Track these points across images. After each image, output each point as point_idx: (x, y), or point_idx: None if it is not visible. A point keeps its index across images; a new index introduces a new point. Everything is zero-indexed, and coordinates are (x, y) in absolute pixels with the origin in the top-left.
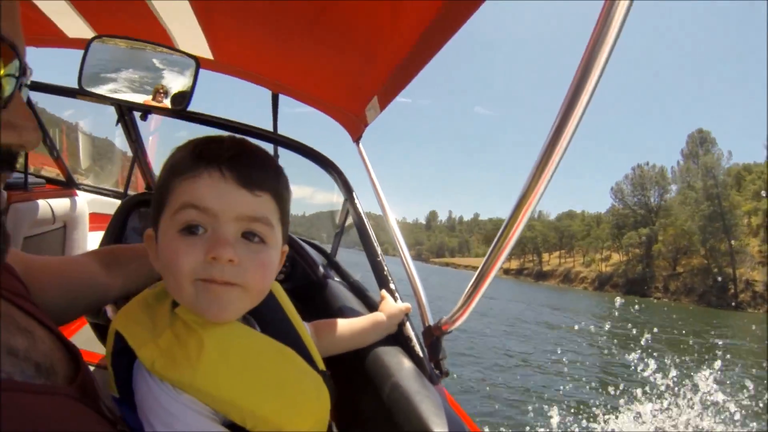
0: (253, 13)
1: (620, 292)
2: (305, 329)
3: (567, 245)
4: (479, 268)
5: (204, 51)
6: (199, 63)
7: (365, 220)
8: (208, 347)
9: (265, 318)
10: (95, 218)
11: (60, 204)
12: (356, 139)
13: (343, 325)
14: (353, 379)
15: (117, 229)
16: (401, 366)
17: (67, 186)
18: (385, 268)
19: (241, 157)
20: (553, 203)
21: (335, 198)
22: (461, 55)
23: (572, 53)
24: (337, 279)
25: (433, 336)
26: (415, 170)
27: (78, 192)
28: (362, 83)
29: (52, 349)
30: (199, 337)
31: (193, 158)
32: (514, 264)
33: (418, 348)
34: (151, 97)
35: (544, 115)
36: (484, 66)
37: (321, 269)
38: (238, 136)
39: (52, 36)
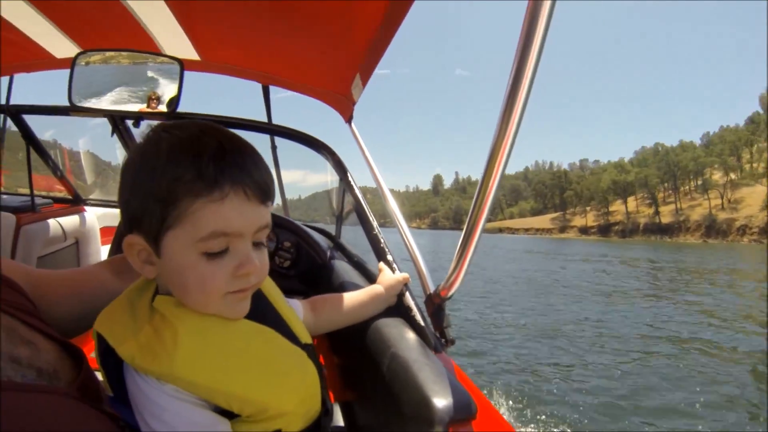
0: (233, 9)
1: None
2: (286, 306)
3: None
4: (465, 227)
5: (190, 53)
6: (183, 65)
7: (360, 197)
8: (184, 336)
9: None
10: (107, 231)
11: (69, 221)
12: (348, 119)
13: (340, 299)
14: (354, 354)
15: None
16: (402, 336)
17: (74, 203)
18: (382, 241)
19: (258, 172)
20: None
21: (329, 178)
22: (434, 21)
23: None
24: (343, 259)
25: (434, 304)
26: (407, 139)
27: (86, 208)
28: (343, 63)
29: (56, 359)
30: (174, 327)
31: (212, 175)
32: (590, 219)
33: (419, 317)
34: (145, 105)
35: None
36: (458, 30)
37: (327, 252)
38: (237, 136)
39: (41, 59)
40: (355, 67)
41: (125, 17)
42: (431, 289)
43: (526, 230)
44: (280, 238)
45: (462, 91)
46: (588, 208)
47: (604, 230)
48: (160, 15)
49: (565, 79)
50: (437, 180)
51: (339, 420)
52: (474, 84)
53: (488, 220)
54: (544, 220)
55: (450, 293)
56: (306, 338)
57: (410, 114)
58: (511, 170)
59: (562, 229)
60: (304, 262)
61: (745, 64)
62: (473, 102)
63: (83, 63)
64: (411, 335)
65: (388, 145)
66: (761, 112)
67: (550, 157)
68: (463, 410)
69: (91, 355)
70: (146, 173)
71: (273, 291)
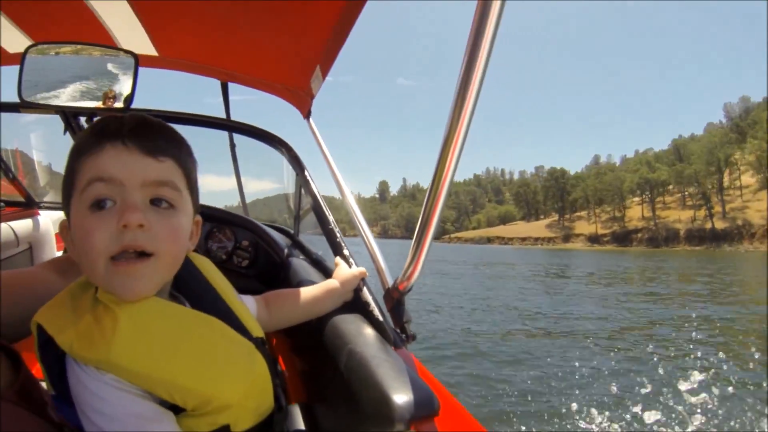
0: (191, 3)
1: None
2: (237, 300)
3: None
4: (420, 220)
5: (148, 48)
6: (137, 59)
7: (316, 191)
8: (123, 322)
9: (194, 293)
10: None
11: (22, 225)
12: (306, 115)
13: (294, 294)
14: (312, 353)
15: None
16: (359, 332)
17: (27, 206)
18: (338, 235)
19: (142, 128)
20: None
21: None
22: (378, 31)
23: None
24: (301, 257)
25: (393, 299)
26: (349, 147)
27: (40, 211)
28: (303, 56)
29: None
30: (115, 314)
31: (95, 136)
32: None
33: (377, 313)
34: (101, 103)
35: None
36: (401, 40)
37: (285, 250)
38: (138, 113)
39: None
40: (316, 59)
41: (81, 10)
42: (390, 283)
43: (522, 240)
44: (238, 237)
45: (405, 99)
46: (595, 212)
47: (621, 238)
48: (117, 8)
49: (509, 89)
50: (383, 186)
51: (300, 423)
52: (417, 92)
53: (444, 230)
54: (537, 228)
55: (408, 286)
56: (257, 332)
57: (352, 122)
58: (459, 178)
59: (566, 238)
60: (262, 261)
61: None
62: (416, 110)
63: (35, 56)
64: (369, 331)
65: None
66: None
67: (499, 165)
68: (425, 407)
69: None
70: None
71: (222, 284)
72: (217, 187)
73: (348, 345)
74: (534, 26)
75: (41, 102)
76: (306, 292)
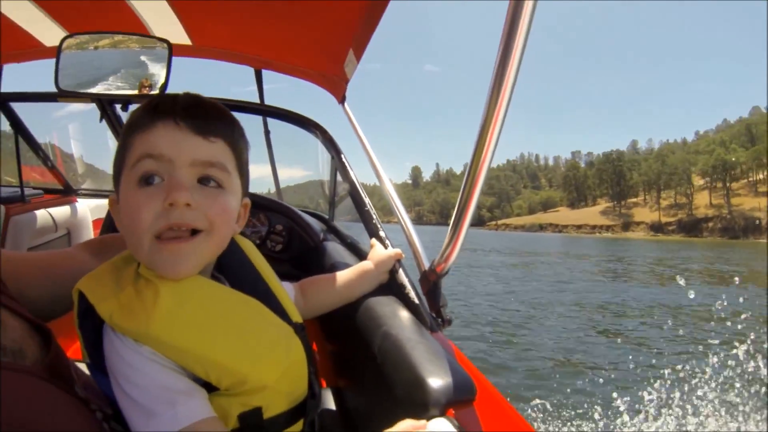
0: None
1: None
2: (278, 283)
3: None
4: (458, 200)
5: (182, 38)
6: (171, 46)
7: (352, 174)
8: (164, 296)
9: (236, 275)
10: (99, 223)
11: (60, 212)
12: (341, 100)
13: (327, 279)
14: (346, 336)
15: (112, 223)
16: (394, 314)
17: (65, 193)
18: (374, 217)
19: (195, 108)
20: None
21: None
22: (404, 17)
23: None
24: (335, 241)
25: (429, 282)
26: (378, 134)
27: (78, 198)
28: (336, 40)
29: (24, 337)
30: (156, 288)
31: (148, 112)
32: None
33: (413, 295)
34: (136, 91)
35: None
36: (427, 26)
37: (319, 235)
38: (193, 93)
39: (31, 48)
40: (348, 42)
41: (115, 2)
42: (426, 266)
43: (578, 227)
44: (272, 221)
45: (433, 85)
46: (654, 197)
47: (689, 228)
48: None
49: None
50: (416, 172)
51: (331, 407)
52: (444, 79)
53: (480, 216)
54: (591, 215)
55: (446, 268)
56: (297, 317)
57: (380, 109)
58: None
59: (625, 227)
60: (296, 245)
61: None
62: (445, 96)
63: (72, 48)
64: (404, 313)
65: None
66: None
67: (533, 150)
68: (462, 391)
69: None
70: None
71: (265, 267)
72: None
73: (382, 327)
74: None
75: (78, 91)
76: (339, 277)
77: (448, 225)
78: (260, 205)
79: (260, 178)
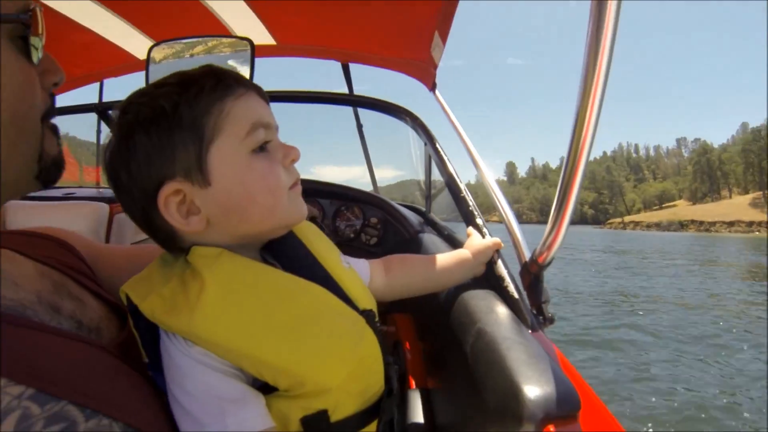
0: None
1: None
2: (340, 265)
3: None
4: (560, 182)
5: (266, 38)
6: (253, 45)
7: (446, 159)
8: (210, 287)
9: (287, 258)
10: None
11: None
12: (431, 87)
13: (419, 260)
14: (438, 331)
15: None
16: (491, 309)
17: None
18: (470, 203)
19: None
20: None
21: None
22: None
23: None
24: (432, 233)
25: (530, 274)
26: (465, 129)
27: None
28: (420, 24)
29: (102, 317)
30: (203, 278)
31: (232, 79)
32: None
33: (512, 289)
34: None
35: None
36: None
37: (415, 227)
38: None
39: (125, 63)
40: (433, 25)
41: (197, 8)
42: (527, 256)
43: (728, 225)
44: (366, 214)
45: (516, 79)
46: None
47: None
48: (232, 3)
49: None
50: (511, 168)
51: (418, 411)
52: (528, 71)
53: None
54: (740, 208)
55: (548, 258)
56: (366, 303)
57: (463, 106)
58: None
59: None
60: (391, 238)
61: None
62: (530, 89)
63: (169, 57)
64: (502, 309)
65: (440, 138)
66: None
67: (631, 140)
68: (564, 403)
69: None
70: (161, 120)
71: (322, 247)
72: (339, 176)
73: (477, 324)
74: None
75: None
76: (433, 260)
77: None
78: (355, 198)
79: (353, 179)
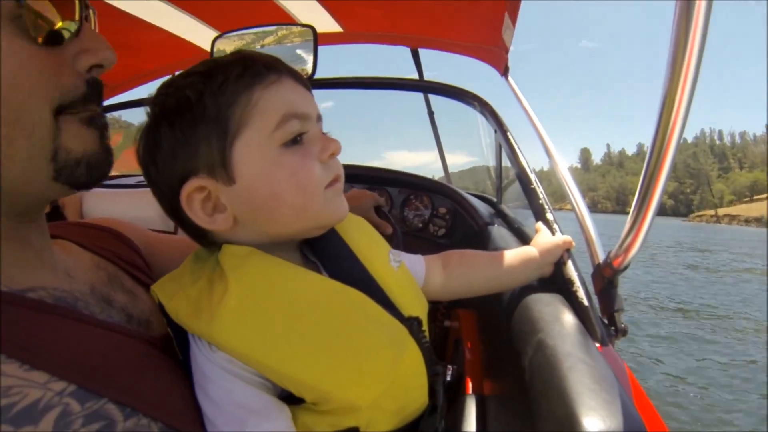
0: None
1: None
2: (387, 265)
3: None
4: (641, 180)
5: (332, 26)
6: (315, 32)
7: (516, 147)
8: (233, 290)
9: (328, 255)
10: None
11: None
12: (504, 72)
13: (479, 257)
14: (497, 336)
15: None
16: (556, 318)
17: None
18: (541, 196)
19: (281, 63)
20: None
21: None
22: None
23: None
24: (501, 225)
25: (603, 279)
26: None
27: None
28: (490, 6)
29: (153, 310)
30: (227, 280)
31: (262, 66)
32: None
33: (582, 294)
34: None
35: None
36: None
37: (485, 219)
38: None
39: (194, 56)
40: (502, 6)
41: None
42: (601, 258)
43: None
44: (435, 204)
45: (591, 62)
46: None
47: None
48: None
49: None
50: (585, 155)
51: (471, 422)
52: (603, 55)
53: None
54: None
55: (625, 262)
56: (413, 309)
57: (535, 92)
58: None
59: None
60: (459, 230)
61: None
62: (605, 72)
63: (228, 50)
64: (568, 318)
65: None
66: None
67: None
68: None
69: None
70: (185, 111)
71: (364, 243)
72: (411, 162)
73: (539, 333)
74: None
75: None
76: (496, 257)
77: (626, 214)
78: (424, 187)
79: (425, 165)
